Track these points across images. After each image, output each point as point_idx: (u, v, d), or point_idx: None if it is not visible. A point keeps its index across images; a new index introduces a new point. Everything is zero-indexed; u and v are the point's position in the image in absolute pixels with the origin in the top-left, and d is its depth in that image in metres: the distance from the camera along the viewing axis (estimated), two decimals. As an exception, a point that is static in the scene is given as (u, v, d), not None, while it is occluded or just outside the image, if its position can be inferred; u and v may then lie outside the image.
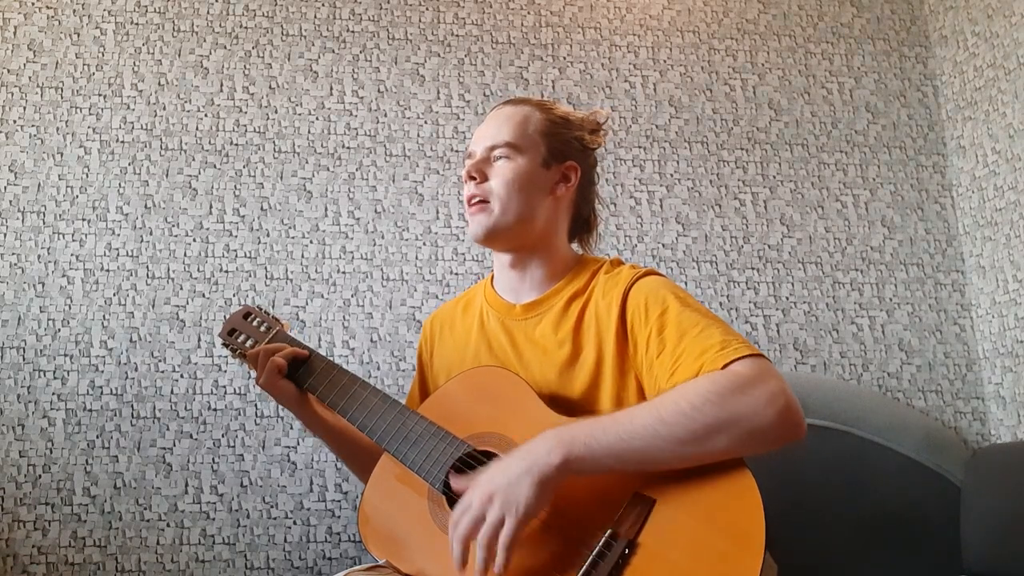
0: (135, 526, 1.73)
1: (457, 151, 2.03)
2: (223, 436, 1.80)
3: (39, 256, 1.84)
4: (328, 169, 1.98)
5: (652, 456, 0.96)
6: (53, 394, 1.78)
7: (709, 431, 0.94)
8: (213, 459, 1.78)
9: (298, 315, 1.88)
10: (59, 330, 1.81)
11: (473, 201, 1.21)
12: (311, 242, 1.93)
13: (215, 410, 1.81)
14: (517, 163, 1.21)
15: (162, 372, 1.81)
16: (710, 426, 0.94)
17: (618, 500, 0.97)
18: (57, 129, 1.92)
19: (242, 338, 1.32)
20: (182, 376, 1.82)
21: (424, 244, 1.97)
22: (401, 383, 1.86)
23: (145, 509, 1.74)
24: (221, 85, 2.00)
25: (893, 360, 2.04)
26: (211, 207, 1.92)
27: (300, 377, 1.25)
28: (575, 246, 1.34)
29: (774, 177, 2.13)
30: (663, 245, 2.05)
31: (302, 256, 1.92)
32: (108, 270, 1.86)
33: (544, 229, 1.23)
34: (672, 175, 2.10)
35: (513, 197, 1.19)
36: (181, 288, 1.87)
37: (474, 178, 1.21)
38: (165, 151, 1.94)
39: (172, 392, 1.81)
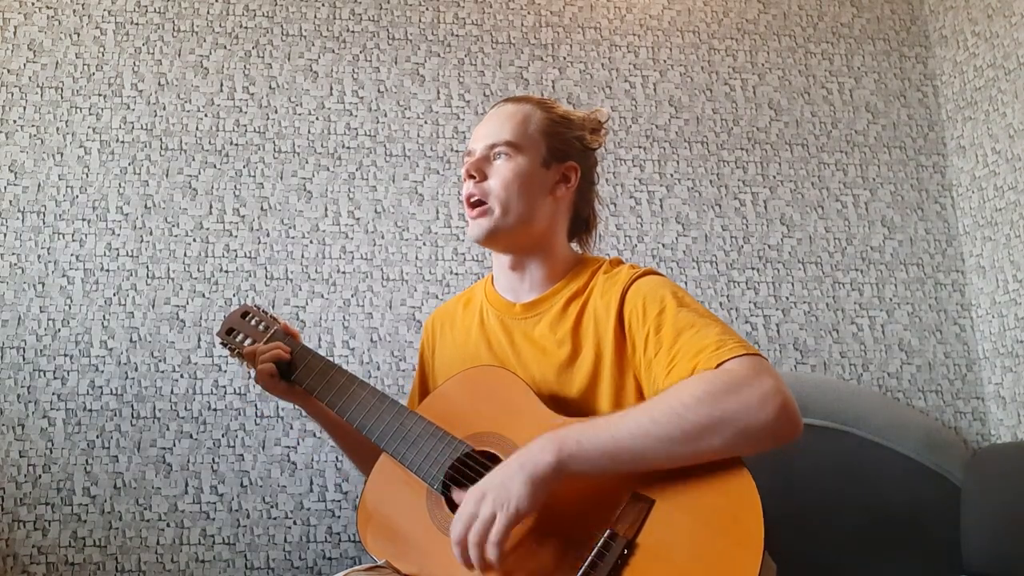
0: (135, 526, 1.73)
1: (457, 151, 2.03)
2: (223, 436, 1.80)
3: (39, 256, 1.84)
4: (328, 169, 1.98)
5: (645, 456, 0.96)
6: (53, 394, 1.78)
7: (701, 431, 0.94)
8: (213, 459, 1.79)
9: (298, 315, 1.88)
10: (59, 330, 1.81)
11: (472, 200, 1.21)
12: (311, 242, 1.93)
13: (215, 410, 1.81)
14: (517, 162, 1.20)
15: (162, 372, 1.82)
16: (703, 425, 0.94)
17: (617, 500, 0.97)
18: (57, 129, 1.92)
19: (240, 337, 1.32)
20: (182, 376, 1.82)
21: (424, 244, 1.97)
22: (401, 383, 1.86)
23: (145, 509, 1.74)
24: (221, 85, 2.00)
25: (893, 360, 2.04)
26: (211, 207, 1.93)
27: (298, 377, 1.25)
28: (574, 246, 1.33)
29: (774, 177, 2.13)
30: (663, 245, 2.05)
31: (302, 256, 1.92)
32: (108, 270, 1.86)
33: (544, 229, 1.23)
34: (672, 175, 2.10)
35: (513, 197, 1.19)
36: (181, 288, 1.87)
37: (473, 177, 1.21)
38: (165, 151, 1.94)
39: (172, 392, 1.81)
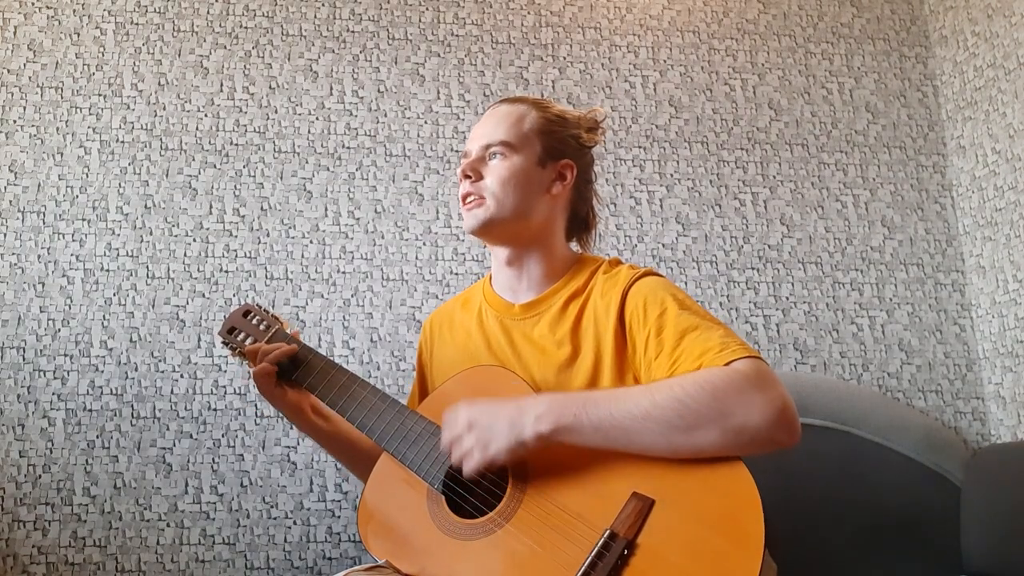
0: (135, 526, 1.73)
1: (457, 151, 2.03)
2: (223, 436, 1.80)
3: (39, 256, 1.84)
4: (328, 169, 1.98)
5: (639, 439, 0.97)
6: (53, 394, 1.78)
7: (700, 421, 0.94)
8: (213, 459, 1.79)
9: (298, 315, 1.88)
10: (59, 330, 1.81)
11: (468, 200, 1.21)
12: (311, 242, 1.93)
13: (215, 410, 1.81)
14: (512, 161, 1.21)
15: (162, 372, 1.81)
16: (702, 416, 0.94)
17: (617, 500, 0.97)
18: (57, 129, 1.92)
19: (241, 336, 1.31)
20: (182, 376, 1.82)
21: (424, 244, 1.97)
22: (401, 383, 1.86)
23: (145, 509, 1.74)
24: (221, 85, 2.00)
25: (893, 360, 2.04)
26: (211, 207, 1.92)
27: (299, 376, 1.25)
28: (574, 245, 1.34)
29: (774, 177, 2.13)
30: (663, 245, 2.05)
31: (302, 256, 1.92)
32: (108, 270, 1.86)
33: (540, 227, 1.23)
34: (672, 175, 2.10)
35: (508, 195, 1.19)
36: (181, 288, 1.87)
37: (469, 176, 1.22)
38: (165, 151, 1.94)
39: (172, 392, 1.81)
